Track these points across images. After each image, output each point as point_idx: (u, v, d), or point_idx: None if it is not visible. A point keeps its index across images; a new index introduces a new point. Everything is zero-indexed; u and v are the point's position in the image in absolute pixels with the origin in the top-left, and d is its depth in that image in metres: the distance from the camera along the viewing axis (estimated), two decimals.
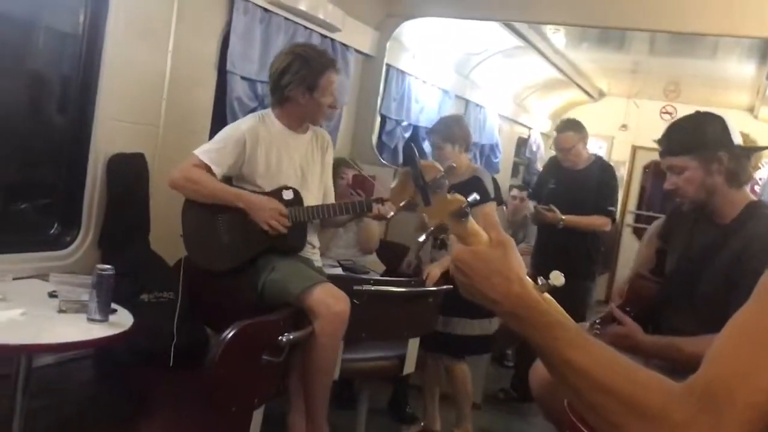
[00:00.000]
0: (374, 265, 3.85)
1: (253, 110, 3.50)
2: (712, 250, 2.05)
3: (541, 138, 8.57)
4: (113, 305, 2.20)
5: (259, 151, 2.59)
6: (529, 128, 8.27)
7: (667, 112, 8.40)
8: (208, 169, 2.53)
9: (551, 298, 1.11)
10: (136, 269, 2.71)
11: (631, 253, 4.61)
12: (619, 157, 8.64)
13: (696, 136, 2.07)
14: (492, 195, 3.23)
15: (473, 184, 3.01)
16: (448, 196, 1.09)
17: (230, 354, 1.87)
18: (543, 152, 8.64)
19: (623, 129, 8.57)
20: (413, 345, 3.11)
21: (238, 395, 1.96)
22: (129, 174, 2.81)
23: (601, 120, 8.66)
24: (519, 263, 1.05)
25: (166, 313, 2.64)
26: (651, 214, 8.14)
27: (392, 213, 1.10)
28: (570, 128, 4.28)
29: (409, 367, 3.13)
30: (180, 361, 2.64)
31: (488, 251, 1.05)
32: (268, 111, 2.71)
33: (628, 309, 2.16)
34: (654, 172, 8.85)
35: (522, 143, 8.31)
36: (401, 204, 1.12)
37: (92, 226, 2.74)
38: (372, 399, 3.32)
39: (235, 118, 3.38)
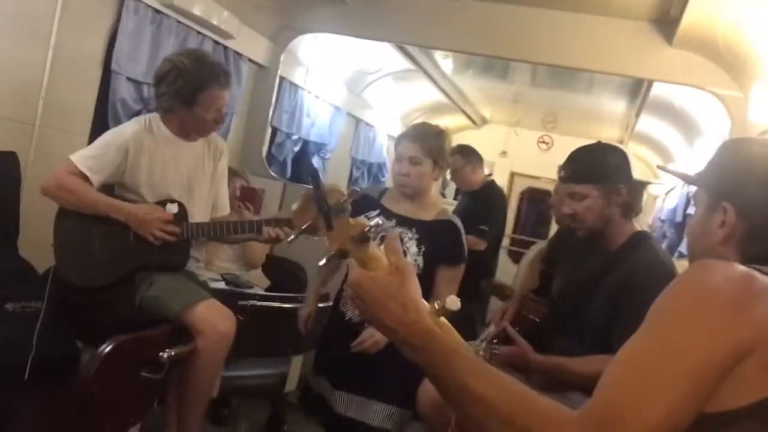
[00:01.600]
0: (259, 279, 3.77)
1: (137, 113, 3.35)
2: (598, 275, 2.13)
3: None
4: None
5: (143, 159, 2.43)
6: None
7: (543, 142, 8.84)
8: (85, 178, 2.36)
9: (447, 322, 1.12)
10: (2, 276, 2.51)
11: (506, 273, 4.77)
12: (498, 182, 8.96)
13: (600, 167, 2.13)
14: None
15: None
16: (351, 220, 1.09)
17: (106, 370, 1.77)
18: None
19: (503, 155, 8.92)
20: (296, 362, 3.06)
21: (113, 413, 1.85)
22: None
23: (483, 146, 8.80)
24: (416, 290, 1.06)
25: (33, 325, 2.46)
26: (525, 237, 8.51)
27: (292, 237, 1.07)
28: (457, 152, 4.40)
29: (291, 384, 3.07)
30: (46, 376, 2.47)
31: (386, 277, 1.05)
32: (155, 115, 2.54)
33: (517, 329, 2.22)
34: (528, 198, 9.26)
35: None
36: (303, 227, 1.10)
37: None
38: (249, 416, 3.24)
39: (117, 121, 3.22)
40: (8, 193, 2.64)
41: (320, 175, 1.11)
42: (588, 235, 2.19)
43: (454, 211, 4.60)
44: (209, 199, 2.62)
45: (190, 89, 2.39)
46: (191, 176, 2.54)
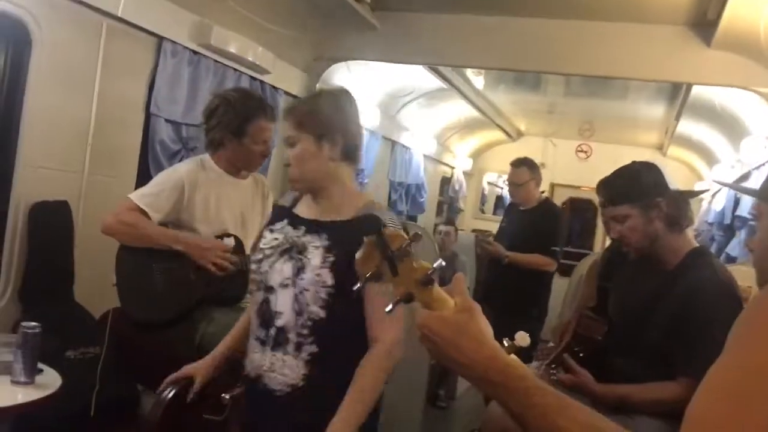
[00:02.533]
0: None
1: (176, 153, 3.42)
2: (656, 296, 2.09)
3: (463, 177, 8.74)
4: (39, 365, 2.07)
5: (198, 196, 2.49)
6: (452, 167, 8.43)
7: (582, 151, 8.74)
8: (144, 214, 2.42)
9: (518, 359, 1.10)
10: (60, 323, 2.57)
11: (557, 288, 4.70)
12: None
13: (633, 185, 2.12)
14: None
15: None
16: (414, 263, 1.08)
17: (170, 415, 1.78)
18: (465, 190, 8.81)
19: (541, 167, 8.80)
20: None
21: None
22: (52, 222, 2.68)
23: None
24: (487, 327, 1.04)
25: (92, 370, 2.50)
26: (571, 249, 8.39)
27: (358, 285, 1.08)
28: (524, 164, 4.37)
29: None
30: (107, 420, 2.51)
31: (455, 316, 1.03)
32: (206, 156, 2.62)
33: (576, 349, 2.19)
34: (571, 209, 9.15)
35: (445, 182, 8.45)
36: (368, 274, 1.10)
37: (12, 279, 2.59)
38: None
39: (157, 162, 3.29)
40: (63, 241, 2.72)
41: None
42: (639, 255, 2.18)
43: (500, 230, 4.57)
44: None
45: (238, 121, 2.47)
46: (244, 212, 2.59)
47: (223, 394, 1.92)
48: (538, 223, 4.30)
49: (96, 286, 2.81)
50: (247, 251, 2.52)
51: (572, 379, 2.09)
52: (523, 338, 1.12)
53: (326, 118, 1.79)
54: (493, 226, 7.53)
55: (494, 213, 9.60)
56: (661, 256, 2.14)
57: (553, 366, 2.10)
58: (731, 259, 4.94)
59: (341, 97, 1.87)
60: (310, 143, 1.78)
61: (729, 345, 0.92)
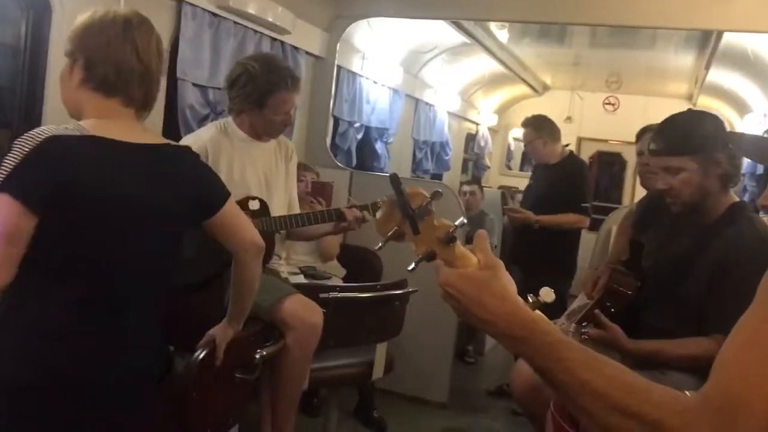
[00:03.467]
0: (335, 269, 3.81)
1: (205, 117, 3.43)
2: (694, 251, 2.04)
3: (489, 133, 8.64)
4: None
5: (222, 161, 2.50)
6: (477, 124, 8.34)
7: (609, 103, 8.59)
8: None
9: (543, 315, 1.09)
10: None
11: (584, 242, 4.65)
12: None
13: (694, 136, 2.00)
14: None
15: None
16: (435, 221, 1.07)
17: (203, 376, 1.81)
18: (491, 147, 8.73)
19: (568, 121, 8.69)
20: (381, 350, 3.08)
21: (212, 417, 1.90)
22: None
23: (546, 113, 8.73)
24: (510, 283, 1.04)
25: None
26: (599, 204, 8.31)
27: (379, 245, 1.08)
28: (528, 125, 4.32)
29: (378, 372, 3.10)
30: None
31: (477, 273, 1.03)
32: (229, 119, 2.62)
33: (608, 304, 2.16)
34: (599, 163, 9.04)
35: (470, 139, 8.37)
36: (389, 234, 1.09)
37: None
38: (339, 404, 3.28)
39: (187, 127, 3.30)
40: None
41: (399, 178, 1.09)
42: (684, 210, 2.07)
43: (527, 189, 4.51)
44: (285, 197, 2.68)
45: (259, 94, 2.46)
46: (267, 175, 2.61)
47: (254, 354, 1.95)
48: (564, 180, 4.22)
49: None
50: (272, 212, 2.53)
51: (602, 335, 2.06)
52: (547, 294, 1.12)
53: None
54: (520, 182, 7.49)
55: (521, 169, 9.50)
56: (704, 211, 2.06)
57: (584, 324, 2.08)
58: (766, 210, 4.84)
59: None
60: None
61: (762, 296, 0.91)
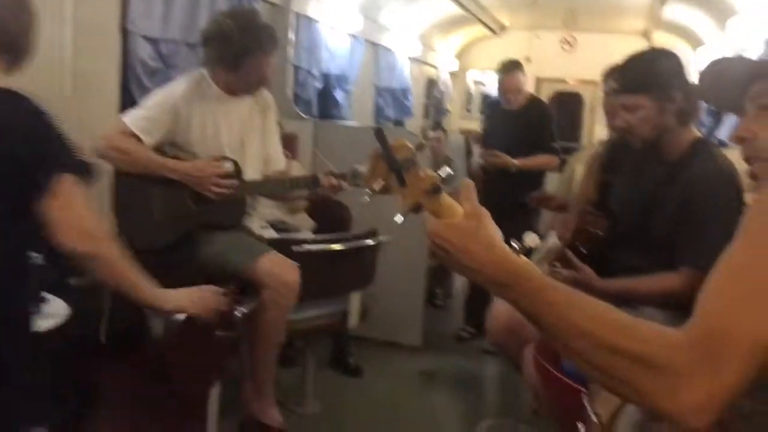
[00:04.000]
0: (304, 221, 3.79)
1: (156, 71, 3.32)
2: (659, 187, 2.08)
3: (449, 77, 8.60)
4: (42, 294, 2.07)
5: (195, 118, 2.43)
6: (436, 68, 8.27)
7: (567, 42, 8.59)
8: (138, 139, 2.36)
9: (527, 260, 1.11)
10: (58, 253, 2.55)
11: (551, 183, 4.71)
12: None
13: (653, 74, 2.04)
14: None
15: None
16: (421, 173, 1.08)
17: (185, 335, 1.80)
18: (451, 91, 8.69)
19: (527, 61, 8.65)
20: (355, 299, 3.11)
21: (194, 376, 1.90)
22: None
23: (505, 54, 8.67)
24: (495, 230, 1.05)
25: (99, 296, 2.51)
26: (559, 143, 8.38)
27: (367, 198, 1.07)
28: (518, 69, 4.29)
29: (353, 320, 3.14)
30: (118, 344, 2.54)
31: (463, 222, 1.05)
32: (204, 72, 2.53)
33: (579, 245, 2.20)
34: (558, 103, 9.07)
35: (431, 84, 8.31)
36: (377, 188, 1.09)
37: None
38: (315, 354, 3.32)
39: (138, 82, 3.20)
40: None
41: (384, 132, 1.08)
42: (643, 147, 2.12)
43: (488, 134, 4.50)
44: (260, 156, 2.62)
45: (233, 56, 2.38)
46: (242, 133, 2.54)
47: (234, 311, 1.95)
48: (532, 122, 4.28)
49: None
50: (245, 173, 2.48)
51: (574, 276, 2.11)
52: (531, 239, 1.13)
53: None
54: (479, 125, 7.48)
55: (481, 112, 9.50)
56: (665, 148, 2.11)
57: (555, 265, 2.12)
58: (722, 144, 4.94)
59: None
60: None
61: (744, 233, 0.93)
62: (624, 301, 2.02)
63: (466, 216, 1.06)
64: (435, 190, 1.06)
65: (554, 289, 0.97)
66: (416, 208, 1.08)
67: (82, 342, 2.41)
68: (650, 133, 2.07)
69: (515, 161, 4.18)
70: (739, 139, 1.12)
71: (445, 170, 1.09)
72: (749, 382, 0.84)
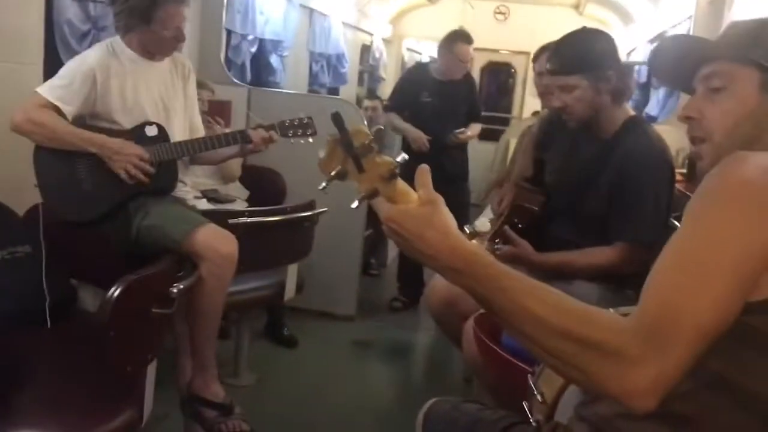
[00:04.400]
0: (238, 191, 3.73)
1: (86, 34, 3.18)
2: (594, 164, 2.14)
3: (383, 44, 8.53)
4: None
5: (113, 84, 2.32)
6: (371, 35, 8.19)
7: (500, 12, 8.65)
8: (57, 110, 2.25)
9: (478, 244, 1.12)
10: None
11: (475, 152, 4.81)
12: None
13: (587, 55, 2.08)
14: None
15: None
16: (377, 159, 1.07)
17: (120, 312, 1.75)
18: (386, 58, 8.64)
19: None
20: (292, 271, 3.09)
21: (131, 353, 1.85)
22: None
23: (439, 23, 8.70)
24: (449, 217, 1.06)
25: (25, 270, 2.40)
26: (491, 114, 8.48)
27: (324, 185, 1.06)
28: (471, 41, 4.25)
29: (290, 292, 3.12)
30: (47, 318, 2.45)
31: (418, 209, 1.05)
32: (117, 38, 2.42)
33: (516, 221, 2.24)
34: (489, 72, 9.16)
35: (365, 50, 8.23)
36: (332, 173, 1.08)
37: None
38: (249, 326, 3.29)
39: (66, 44, 3.06)
40: None
41: (342, 118, 1.07)
42: (579, 125, 2.17)
43: (424, 106, 4.47)
44: (186, 120, 2.54)
45: (145, 6, 2.28)
46: (164, 97, 2.45)
47: (172, 288, 1.90)
48: (468, 94, 4.37)
49: (15, 183, 2.65)
50: (171, 137, 2.41)
51: (513, 251, 2.15)
52: (483, 224, 1.15)
53: None
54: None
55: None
56: (600, 126, 2.16)
57: (497, 240, 2.16)
58: (651, 119, 5.10)
59: None
60: None
61: (687, 218, 0.96)
62: (559, 274, 2.09)
63: (421, 202, 1.06)
64: (391, 176, 1.06)
65: (507, 276, 0.99)
66: (372, 194, 1.07)
67: (10, 316, 2.32)
68: (585, 112, 2.12)
69: (470, 133, 4.36)
70: (686, 119, 1.15)
71: (402, 156, 1.08)
72: (693, 364, 0.88)
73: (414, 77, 4.60)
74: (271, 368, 3.38)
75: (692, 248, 0.93)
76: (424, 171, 1.08)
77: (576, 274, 2.07)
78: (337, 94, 6.86)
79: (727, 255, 0.90)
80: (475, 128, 4.44)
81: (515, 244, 2.16)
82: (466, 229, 1.11)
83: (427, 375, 3.84)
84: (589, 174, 2.14)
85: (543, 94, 2.98)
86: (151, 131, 2.36)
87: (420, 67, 4.83)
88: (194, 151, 2.43)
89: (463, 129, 4.33)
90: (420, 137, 4.20)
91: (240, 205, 3.51)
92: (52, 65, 2.91)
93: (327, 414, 3.00)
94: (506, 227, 2.23)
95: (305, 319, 3.93)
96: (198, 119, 2.65)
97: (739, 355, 0.94)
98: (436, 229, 1.03)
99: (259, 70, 5.24)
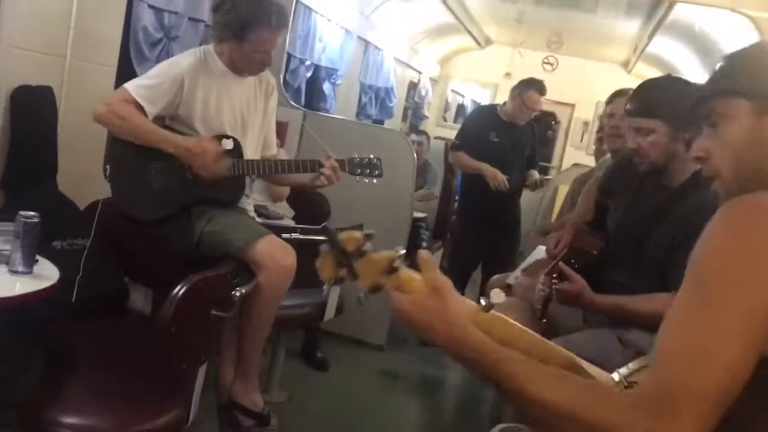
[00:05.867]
0: (284, 209, 3.77)
1: (158, 41, 3.27)
2: (659, 212, 2.12)
3: (429, 83, 8.64)
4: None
5: (199, 93, 2.38)
6: (419, 72, 8.31)
7: (548, 63, 8.71)
8: (140, 107, 2.31)
9: (499, 316, 1.14)
10: (45, 213, 2.48)
11: (527, 201, 4.83)
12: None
13: (669, 101, 2.06)
14: None
15: None
16: (374, 257, 1.08)
17: (182, 310, 1.78)
18: (431, 97, 8.74)
19: (507, 77, 8.77)
20: (334, 293, 3.10)
21: (188, 351, 1.88)
22: (35, 108, 2.55)
23: (487, 67, 8.86)
24: (458, 304, 1.09)
25: (81, 262, 2.45)
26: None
27: (324, 292, 1.12)
28: (545, 92, 4.36)
29: (330, 313, 3.13)
30: (95, 310, 2.48)
31: (425, 300, 1.07)
32: (210, 48, 2.49)
33: (572, 261, 2.23)
34: (535, 121, 9.19)
35: (412, 87, 8.34)
36: (331, 283, 1.11)
37: None
38: (286, 344, 3.30)
39: (139, 50, 3.15)
40: (46, 129, 2.60)
41: (332, 230, 1.11)
42: (650, 170, 2.16)
43: (490, 146, 4.48)
44: (260, 137, 2.60)
45: (240, 24, 2.34)
46: (244, 112, 2.51)
47: (234, 291, 1.93)
48: (528, 138, 4.49)
49: (80, 177, 2.72)
50: (246, 154, 2.46)
51: (569, 287, 2.12)
52: (497, 295, 1.16)
53: None
54: (453, 133, 7.54)
55: (454, 121, 9.57)
56: (669, 174, 2.15)
57: (555, 277, 2.15)
58: None
59: None
60: None
61: (689, 274, 0.95)
62: (615, 318, 2.07)
63: (428, 291, 1.07)
64: (392, 270, 1.08)
65: (513, 362, 1.01)
66: (375, 289, 1.09)
67: (61, 306, 2.36)
68: (659, 157, 2.11)
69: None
70: (697, 160, 1.16)
71: (401, 252, 1.09)
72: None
73: (482, 117, 4.67)
74: (301, 389, 3.37)
75: (695, 316, 0.91)
76: (426, 256, 1.10)
77: (633, 318, 2.04)
78: (383, 125, 6.94)
79: (732, 323, 0.88)
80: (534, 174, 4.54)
81: (573, 279, 2.14)
82: (482, 301, 1.13)
83: (453, 412, 3.81)
84: (653, 221, 2.12)
85: (609, 135, 3.00)
86: (228, 144, 2.40)
87: (488, 107, 4.90)
88: (268, 171, 2.49)
89: (544, 178, 4.45)
90: (498, 175, 4.26)
91: (288, 223, 3.55)
92: (124, 67, 3.01)
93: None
94: (562, 264, 2.22)
95: (338, 343, 3.94)
96: (273, 136, 2.70)
97: (761, 405, 0.91)
98: (444, 320, 1.05)
99: (312, 95, 5.33)
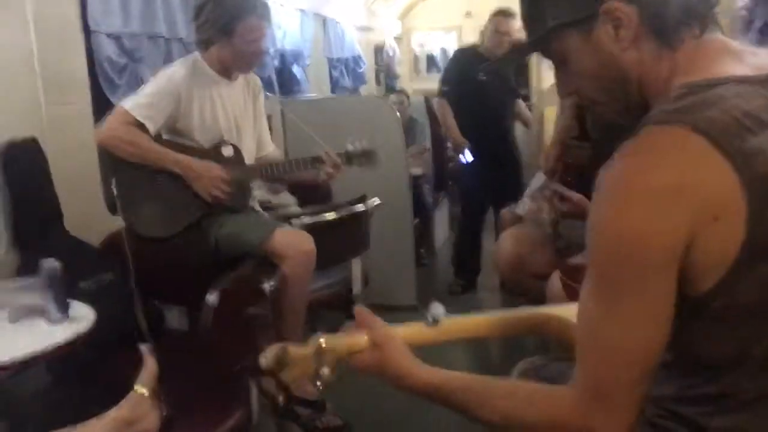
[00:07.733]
0: (286, 199, 3.81)
1: (124, 67, 3.27)
2: None
3: (395, 42, 8.60)
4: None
5: (195, 104, 2.42)
6: (382, 33, 8.26)
7: None
8: (141, 126, 2.35)
9: (450, 318, 1.23)
10: (63, 259, 2.53)
11: (522, 132, 4.88)
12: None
13: None
14: None
15: None
16: (297, 360, 1.10)
17: (220, 316, 1.83)
18: (399, 55, 8.70)
19: (468, 16, 8.72)
20: (356, 265, 3.16)
21: (236, 354, 1.93)
22: (26, 161, 2.58)
23: (446, 11, 8.78)
24: (399, 354, 1.14)
25: (112, 296, 2.50)
26: None
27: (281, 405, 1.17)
28: (512, 15, 4.23)
29: (357, 286, 3.19)
30: (141, 340, 2.54)
31: (368, 359, 1.14)
32: (197, 56, 2.51)
33: (569, 179, 2.28)
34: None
35: (378, 50, 8.30)
36: (280, 406, 1.18)
37: (3, 228, 2.51)
38: (326, 324, 3.36)
39: (108, 80, 3.16)
40: (42, 178, 2.63)
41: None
42: None
43: (479, 85, 4.44)
44: (254, 138, 2.64)
45: (228, 18, 2.36)
46: (237, 117, 2.55)
47: (263, 284, 1.98)
48: (511, 70, 4.46)
49: (86, 217, 2.76)
50: (245, 157, 2.50)
51: (571, 208, 2.15)
52: (436, 308, 1.22)
53: None
54: (430, 84, 7.50)
55: (428, 72, 9.51)
56: None
57: (563, 214, 2.17)
58: None
59: None
60: None
61: (589, 276, 0.97)
62: None
63: (369, 348, 1.14)
64: (320, 357, 1.10)
65: (459, 391, 1.10)
66: (318, 377, 1.11)
67: (102, 342, 2.41)
68: None
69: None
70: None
71: (320, 339, 1.11)
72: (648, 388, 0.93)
73: (465, 59, 4.58)
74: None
75: (598, 306, 0.94)
76: (364, 313, 1.18)
77: None
78: (359, 94, 6.94)
79: (633, 306, 0.90)
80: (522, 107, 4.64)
81: (570, 199, 2.17)
82: (428, 316, 1.19)
83: (503, 348, 3.87)
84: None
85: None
86: (227, 151, 2.46)
87: (469, 49, 4.79)
88: (270, 174, 2.53)
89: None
90: (462, 144, 4.37)
91: (295, 210, 3.59)
92: (98, 101, 3.02)
93: (411, 402, 3.03)
94: (559, 185, 2.26)
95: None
96: (266, 134, 2.75)
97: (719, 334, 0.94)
98: (390, 372, 1.13)
99: (283, 82, 5.33)
